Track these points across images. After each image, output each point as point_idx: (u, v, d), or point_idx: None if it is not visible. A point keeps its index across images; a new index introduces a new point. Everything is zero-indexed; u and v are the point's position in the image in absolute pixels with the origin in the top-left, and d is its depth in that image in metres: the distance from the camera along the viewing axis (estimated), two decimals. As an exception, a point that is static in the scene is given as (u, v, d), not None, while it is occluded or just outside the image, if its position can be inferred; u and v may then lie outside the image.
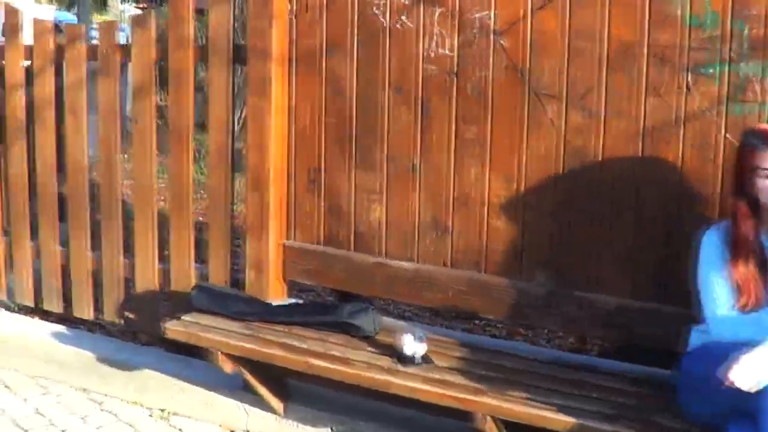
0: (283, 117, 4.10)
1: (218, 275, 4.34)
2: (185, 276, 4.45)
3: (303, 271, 4.22)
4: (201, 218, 4.98)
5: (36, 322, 5.21)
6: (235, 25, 4.25)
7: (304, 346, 3.66)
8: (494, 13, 3.59)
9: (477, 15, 3.63)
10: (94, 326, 5.16)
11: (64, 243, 4.93)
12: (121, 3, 33.05)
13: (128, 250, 4.71)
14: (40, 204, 4.96)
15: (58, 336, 4.93)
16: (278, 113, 4.07)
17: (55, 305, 5.04)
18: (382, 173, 3.92)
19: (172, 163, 4.41)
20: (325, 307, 4.21)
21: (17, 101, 4.92)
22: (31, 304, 5.19)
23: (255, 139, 4.11)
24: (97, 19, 25.15)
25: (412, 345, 3.46)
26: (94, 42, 4.71)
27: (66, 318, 5.13)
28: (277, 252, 4.19)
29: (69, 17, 24.83)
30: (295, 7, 4.04)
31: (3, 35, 5.17)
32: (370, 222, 4.00)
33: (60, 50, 4.77)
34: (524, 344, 4.72)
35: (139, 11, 21.51)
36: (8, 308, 5.41)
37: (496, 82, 3.62)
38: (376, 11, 3.84)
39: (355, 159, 3.98)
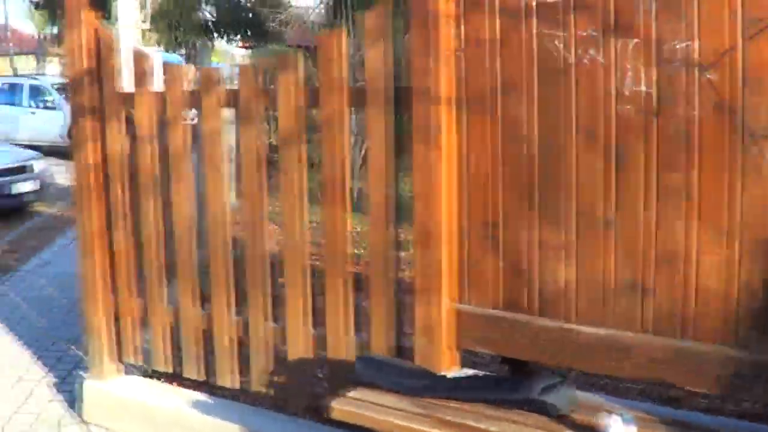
0: (453, 165, 4.01)
1: (380, 343, 4.28)
2: (342, 343, 4.41)
3: (478, 339, 4.12)
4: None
5: (174, 389, 5.26)
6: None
7: (494, 429, 3.56)
8: (698, 44, 3.44)
9: (678, 46, 3.49)
10: (237, 394, 5.16)
11: (204, 305, 4.97)
12: (226, 43, 33.62)
13: (276, 312, 4.70)
14: (178, 263, 5.00)
15: (198, 405, 4.96)
16: (448, 161, 3.99)
17: (194, 372, 5.08)
18: (569, 227, 3.79)
19: (326, 217, 4.38)
20: (508, 381, 4.08)
21: (150, 153, 4.98)
22: (168, 370, 5.24)
23: (422, 189, 4.03)
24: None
25: (620, 430, 3.33)
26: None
27: (204, 384, 5.17)
28: (449, 317, 4.10)
29: (176, 59, 25.55)
30: (462, 43, 3.96)
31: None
32: (555, 283, 3.87)
33: (194, 96, 4.81)
34: (744, 422, 4.50)
35: (244, 51, 21.91)
36: (144, 373, 5.49)
37: (703, 122, 3.45)
38: (558, 44, 3.73)
39: (538, 212, 3.86)
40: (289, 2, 33.02)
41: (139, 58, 5.01)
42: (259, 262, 4.66)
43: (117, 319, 5.40)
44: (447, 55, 3.94)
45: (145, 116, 4.99)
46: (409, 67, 4.06)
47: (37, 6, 36.59)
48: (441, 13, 3.90)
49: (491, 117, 3.90)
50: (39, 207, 14.77)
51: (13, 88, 24.07)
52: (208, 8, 34.05)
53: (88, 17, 5.20)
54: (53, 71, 43.39)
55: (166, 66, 4.97)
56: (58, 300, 8.85)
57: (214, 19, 33.95)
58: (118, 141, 5.16)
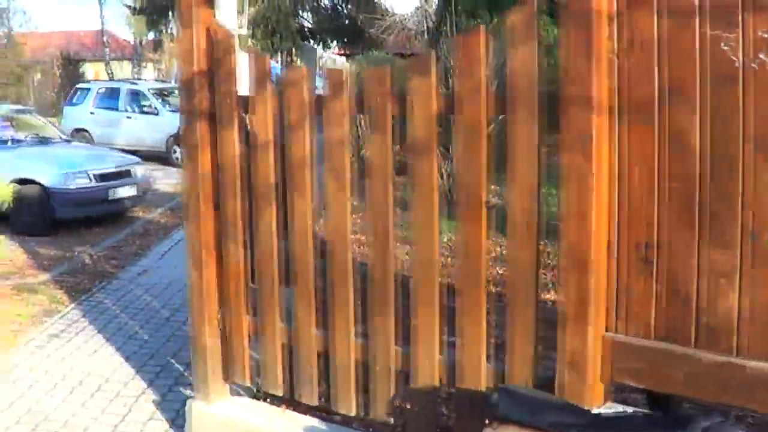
0: (607, 180, 3.66)
1: (521, 373, 3.94)
2: (476, 372, 4.08)
3: (629, 371, 3.74)
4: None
5: (285, 413, 5.02)
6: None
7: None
8: None
9: None
10: (350, 420, 4.87)
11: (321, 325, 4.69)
12: (322, 50, 33.69)
13: (401, 335, 4.41)
14: (294, 280, 4.73)
15: (313, 432, 4.72)
16: (600, 175, 3.64)
17: (310, 397, 4.80)
18: (740, 251, 3.41)
19: (461, 232, 4.06)
20: (662, 420, 3.72)
21: (267, 160, 4.71)
22: (279, 393, 4.98)
23: (574, 207, 3.68)
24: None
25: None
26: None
27: (315, 408, 4.93)
28: (598, 347, 3.75)
29: (273, 66, 25.56)
30: (620, 45, 3.59)
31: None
32: (720, 312, 3.48)
33: (318, 101, 4.53)
34: None
35: (337, 58, 21.74)
36: (252, 395, 5.25)
37: None
38: (732, 46, 3.35)
39: (704, 233, 3.48)
40: (388, 9, 33.12)
41: (258, 60, 4.74)
42: (385, 282, 4.36)
43: (226, 336, 5.13)
44: (602, 58, 3.59)
45: (262, 121, 4.71)
46: (559, 72, 3.72)
47: (134, 11, 37.16)
48: (599, 12, 3.55)
49: (652, 127, 3.53)
50: (138, 212, 14.72)
51: (112, 93, 24.18)
52: (306, 15, 34.34)
53: (203, 15, 4.94)
54: (149, 76, 44.00)
55: (289, 68, 4.68)
56: (157, 310, 8.68)
57: (311, 26, 34.25)
58: (232, 147, 4.89)
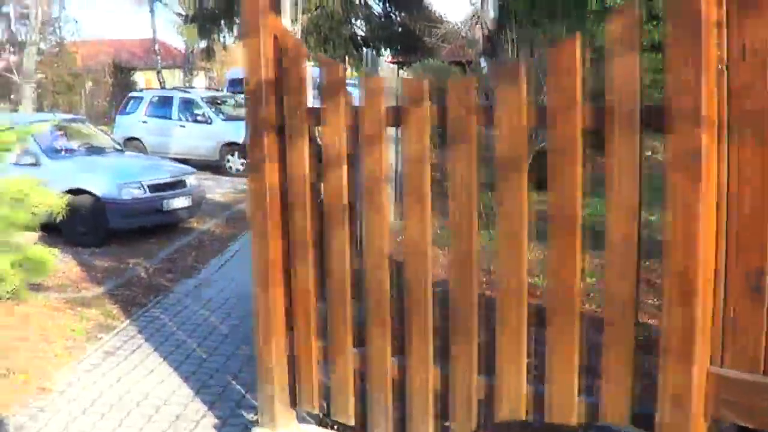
0: (715, 201, 3.39)
1: (616, 409, 3.69)
2: (567, 406, 3.83)
3: (734, 407, 3.48)
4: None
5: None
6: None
7: None
8: None
9: None
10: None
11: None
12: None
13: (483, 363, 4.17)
14: (368, 304, 4.49)
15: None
16: (710, 197, 3.37)
17: (382, 426, 4.57)
18: None
19: (553, 255, 3.81)
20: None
21: (340, 176, 4.48)
22: (350, 423, 4.75)
23: (679, 231, 3.42)
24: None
25: None
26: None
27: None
28: (703, 381, 3.48)
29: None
30: (731, 54, 3.33)
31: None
32: (843, 346, 3.23)
33: (395, 113, 4.29)
34: None
35: (390, 66, 21.63)
36: (320, 423, 5.03)
37: None
38: None
39: (826, 258, 3.22)
40: (441, 17, 32.93)
41: (331, 69, 4.52)
42: (468, 306, 4.11)
43: (293, 360, 4.90)
44: (710, 69, 3.32)
45: (335, 134, 4.48)
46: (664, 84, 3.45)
47: (186, 20, 37.22)
48: (709, 19, 3.28)
49: (766, 142, 3.26)
50: (192, 223, 14.56)
51: (164, 101, 24.04)
52: (359, 22, 34.19)
53: (270, 22, 4.72)
54: (200, 84, 44.07)
55: (367, 78, 4.46)
56: (215, 326, 8.49)
57: (363, 34, 34.10)
58: (302, 161, 4.66)
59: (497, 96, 3.89)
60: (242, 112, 22.78)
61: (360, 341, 4.62)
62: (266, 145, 4.79)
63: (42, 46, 34.11)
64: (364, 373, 4.63)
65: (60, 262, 10.51)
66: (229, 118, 22.93)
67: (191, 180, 14.12)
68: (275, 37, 4.75)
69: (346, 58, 32.12)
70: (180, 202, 13.57)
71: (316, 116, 4.62)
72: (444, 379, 4.29)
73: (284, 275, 4.89)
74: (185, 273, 10.96)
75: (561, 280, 3.80)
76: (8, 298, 8.30)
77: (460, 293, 4.14)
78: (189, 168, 14.87)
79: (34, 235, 9.07)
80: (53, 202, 8.63)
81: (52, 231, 10.43)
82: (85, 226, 12.52)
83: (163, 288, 10.12)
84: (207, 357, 7.46)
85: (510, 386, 4.03)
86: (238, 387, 6.62)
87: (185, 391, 6.59)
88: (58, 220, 8.72)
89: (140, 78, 47.02)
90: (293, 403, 5.01)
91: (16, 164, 12.83)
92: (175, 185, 13.67)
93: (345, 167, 4.49)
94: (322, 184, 4.64)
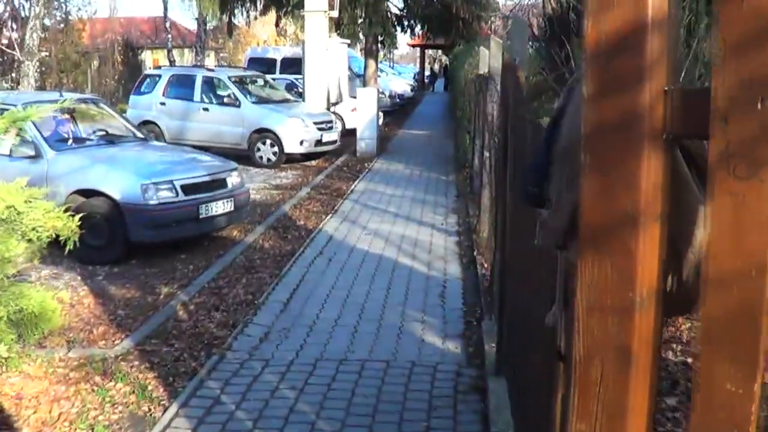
0: None
1: None
2: None
3: None
4: None
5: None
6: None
7: None
8: None
9: None
10: None
11: None
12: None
13: None
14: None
15: None
16: None
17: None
18: None
19: None
20: None
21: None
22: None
23: None
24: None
25: None
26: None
27: None
28: None
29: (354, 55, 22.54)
30: None
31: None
32: None
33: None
34: None
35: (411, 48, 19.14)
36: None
37: None
38: None
39: None
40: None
41: None
42: None
43: None
44: None
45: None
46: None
47: (206, -8, 34.15)
48: None
49: None
50: (233, 232, 11.39)
51: (185, 81, 20.47)
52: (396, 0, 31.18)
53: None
54: (210, 64, 41.24)
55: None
56: (312, 420, 5.44)
57: (400, 12, 31.05)
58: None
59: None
60: (275, 93, 19.85)
61: None
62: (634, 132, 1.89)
63: (46, 21, 30.98)
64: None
65: (66, 291, 7.47)
66: (260, 101, 19.83)
67: (233, 178, 10.98)
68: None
69: (377, 37, 29.26)
70: (220, 207, 10.44)
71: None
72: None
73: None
74: (240, 312, 7.81)
75: None
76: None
77: None
78: (231, 162, 11.50)
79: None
80: (59, 224, 5.66)
81: (55, 243, 7.01)
82: (99, 239, 9.53)
83: (216, 341, 6.99)
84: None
85: None
86: None
87: None
88: (71, 245, 5.78)
89: (148, 57, 44.25)
90: None
91: (9, 158, 9.78)
92: (215, 185, 10.54)
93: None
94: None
